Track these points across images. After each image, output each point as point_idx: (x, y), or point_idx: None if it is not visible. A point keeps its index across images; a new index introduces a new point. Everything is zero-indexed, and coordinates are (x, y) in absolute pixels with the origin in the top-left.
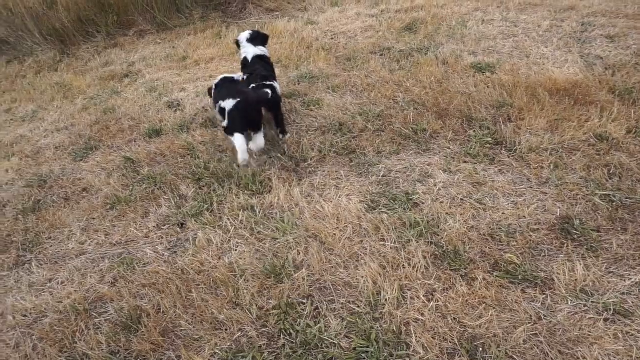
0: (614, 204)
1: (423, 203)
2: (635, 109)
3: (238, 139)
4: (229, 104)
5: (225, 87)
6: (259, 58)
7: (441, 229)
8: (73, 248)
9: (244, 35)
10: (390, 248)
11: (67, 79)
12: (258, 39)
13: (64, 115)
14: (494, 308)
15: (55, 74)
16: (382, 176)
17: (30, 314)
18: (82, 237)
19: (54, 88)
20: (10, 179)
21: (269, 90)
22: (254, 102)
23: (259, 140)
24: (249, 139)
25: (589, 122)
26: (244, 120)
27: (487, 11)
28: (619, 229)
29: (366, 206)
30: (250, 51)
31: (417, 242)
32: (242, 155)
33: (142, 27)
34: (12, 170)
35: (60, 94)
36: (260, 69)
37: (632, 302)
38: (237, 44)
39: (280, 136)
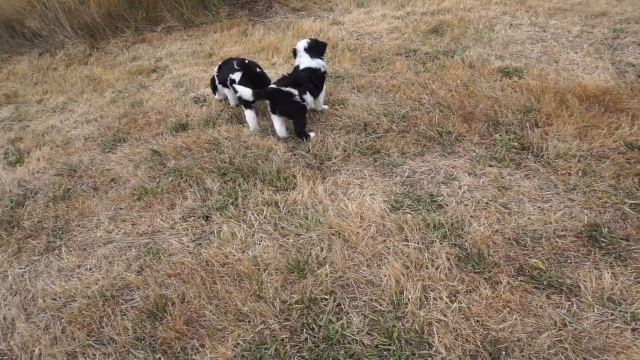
0: None
1: (447, 205)
2: None
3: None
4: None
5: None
6: (309, 70)
7: (465, 232)
8: (101, 236)
9: (301, 44)
10: (414, 248)
11: (96, 72)
12: (315, 48)
13: (93, 107)
14: (518, 312)
15: (85, 67)
16: (406, 177)
17: (60, 297)
18: (110, 225)
19: (83, 81)
20: (41, 167)
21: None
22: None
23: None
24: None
25: (619, 129)
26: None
27: (515, 15)
28: None
29: (390, 206)
30: (304, 62)
31: (441, 244)
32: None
33: (169, 24)
34: (43, 159)
35: (89, 86)
36: (301, 77)
37: None
38: (294, 53)
39: (304, 139)
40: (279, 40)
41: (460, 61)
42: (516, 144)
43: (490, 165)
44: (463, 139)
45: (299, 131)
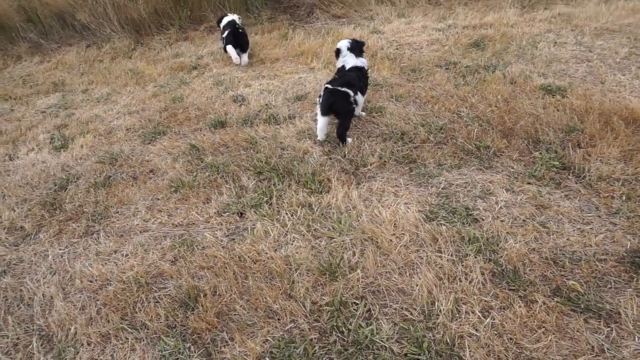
0: None
1: (483, 219)
2: None
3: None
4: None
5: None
6: (356, 69)
7: (501, 247)
8: (138, 224)
9: (344, 44)
10: (447, 260)
11: (140, 66)
12: (357, 47)
13: (135, 99)
14: (553, 334)
15: (129, 60)
16: (442, 188)
17: (96, 280)
18: (147, 215)
19: (127, 74)
20: (84, 154)
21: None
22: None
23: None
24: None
25: None
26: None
27: (559, 33)
28: None
29: (424, 216)
30: (350, 61)
31: (475, 258)
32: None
33: (212, 23)
34: (86, 146)
35: (133, 79)
36: (352, 77)
37: None
38: (337, 53)
39: (341, 144)
40: (319, 45)
41: (502, 76)
42: (557, 163)
43: (529, 183)
44: (502, 155)
45: (342, 133)
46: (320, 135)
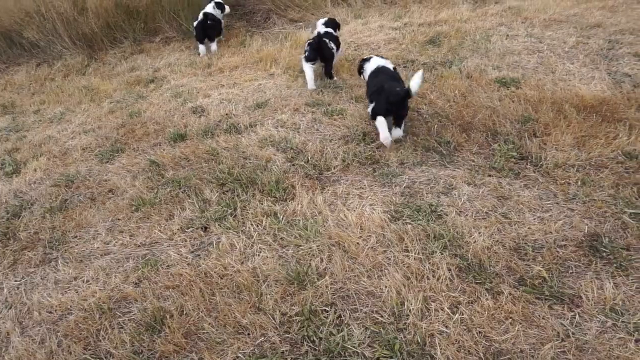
0: None
1: (447, 215)
2: None
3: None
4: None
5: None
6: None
7: (466, 242)
8: (98, 247)
9: (375, 60)
10: (414, 259)
11: (94, 82)
12: (331, 24)
13: (91, 117)
14: (520, 323)
15: (82, 77)
16: (406, 187)
17: (56, 310)
18: (107, 237)
19: (81, 91)
20: (38, 178)
21: None
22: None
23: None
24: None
25: (616, 139)
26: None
27: (511, 26)
28: None
29: (390, 216)
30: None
31: (442, 254)
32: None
33: (168, 34)
34: (40, 170)
35: (87, 97)
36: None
37: None
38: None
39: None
40: (277, 50)
41: (458, 72)
42: (515, 153)
43: (490, 175)
44: (462, 149)
45: (329, 72)
46: (311, 84)
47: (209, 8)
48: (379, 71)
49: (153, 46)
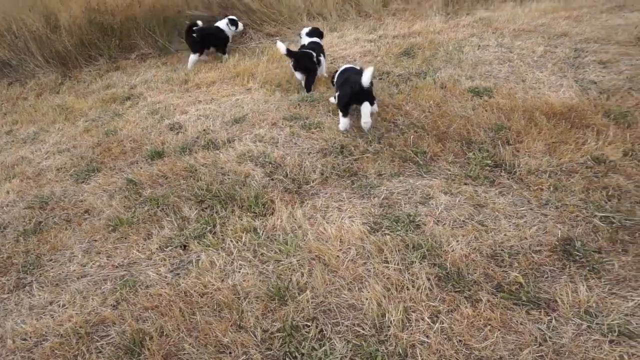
0: (614, 225)
1: (425, 225)
2: (630, 132)
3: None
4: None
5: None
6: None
7: (444, 251)
8: (74, 270)
9: (304, 30)
10: (394, 270)
11: (68, 101)
12: (314, 33)
13: (66, 137)
14: (499, 330)
15: (56, 96)
16: (384, 198)
17: (31, 337)
18: (84, 259)
19: (55, 110)
20: (11, 200)
21: None
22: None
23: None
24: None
25: (585, 145)
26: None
27: (482, 37)
28: (620, 250)
29: (369, 228)
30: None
31: (421, 264)
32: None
33: (143, 51)
34: (13, 192)
35: (61, 116)
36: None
37: (636, 324)
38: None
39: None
40: (254, 65)
41: (432, 82)
42: (489, 161)
43: (466, 184)
44: (438, 159)
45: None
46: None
47: (222, 24)
48: (346, 70)
49: (129, 63)
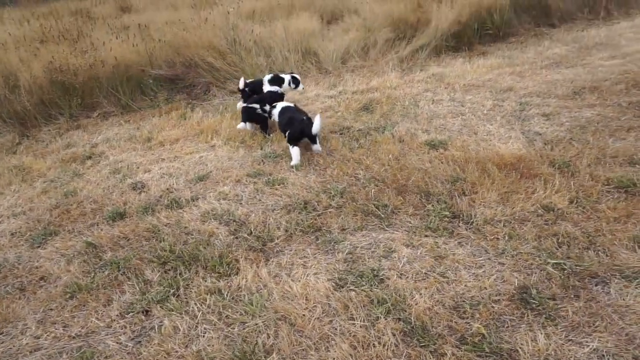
0: (565, 271)
1: (389, 279)
2: (574, 180)
3: None
4: None
5: None
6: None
7: (408, 304)
8: (27, 343)
9: (267, 77)
10: (360, 326)
11: (26, 161)
12: (275, 80)
13: (22, 199)
14: None
15: (13, 156)
16: (348, 253)
17: None
18: (38, 330)
19: (11, 171)
20: None
21: None
22: None
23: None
24: None
25: (535, 193)
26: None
27: (436, 92)
28: (572, 295)
29: (334, 284)
30: (268, 88)
31: (386, 319)
32: None
33: (106, 109)
34: None
35: (18, 177)
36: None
37: None
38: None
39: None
40: (218, 122)
41: (391, 136)
42: (447, 212)
43: (426, 236)
44: (399, 211)
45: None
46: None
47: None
48: (286, 109)
49: (90, 121)
